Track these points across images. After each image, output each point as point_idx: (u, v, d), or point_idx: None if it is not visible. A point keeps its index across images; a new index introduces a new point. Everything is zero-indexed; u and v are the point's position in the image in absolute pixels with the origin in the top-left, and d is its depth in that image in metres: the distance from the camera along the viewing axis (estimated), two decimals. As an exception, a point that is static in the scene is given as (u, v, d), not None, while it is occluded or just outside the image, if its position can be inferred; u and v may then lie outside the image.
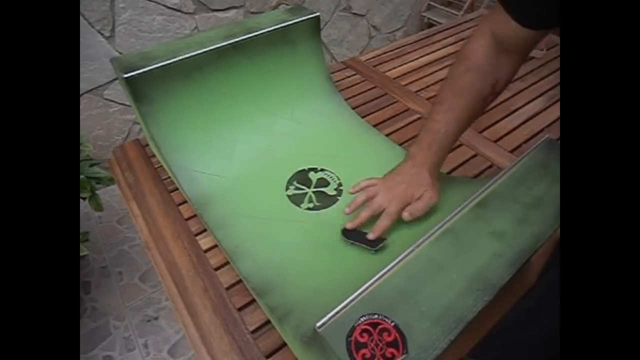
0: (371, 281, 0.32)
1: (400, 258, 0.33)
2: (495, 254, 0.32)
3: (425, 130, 0.47)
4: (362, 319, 0.29)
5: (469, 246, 0.33)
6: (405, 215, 0.44)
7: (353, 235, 0.46)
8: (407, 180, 0.46)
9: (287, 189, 0.55)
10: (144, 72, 0.49)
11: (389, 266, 0.32)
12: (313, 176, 0.57)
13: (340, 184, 0.56)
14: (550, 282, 0.38)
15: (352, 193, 0.49)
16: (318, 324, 0.29)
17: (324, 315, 0.30)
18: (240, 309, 0.44)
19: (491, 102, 0.46)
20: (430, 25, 1.84)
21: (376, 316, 0.30)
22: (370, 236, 0.45)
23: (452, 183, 0.53)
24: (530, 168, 0.40)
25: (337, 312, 0.30)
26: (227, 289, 0.45)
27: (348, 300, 0.31)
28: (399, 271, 0.32)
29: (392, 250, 0.45)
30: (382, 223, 0.44)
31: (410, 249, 0.33)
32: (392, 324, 0.29)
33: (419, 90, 0.77)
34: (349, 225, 0.47)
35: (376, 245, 0.45)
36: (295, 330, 0.37)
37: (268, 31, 0.57)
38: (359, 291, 0.31)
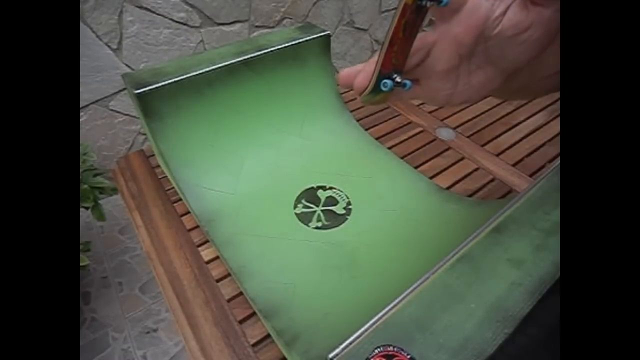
0: (385, 310, 0.31)
1: (415, 285, 0.32)
2: (514, 283, 0.31)
3: None
4: (376, 351, 0.28)
5: (487, 274, 0.32)
6: None
7: None
8: None
9: (295, 207, 0.54)
10: (155, 88, 0.49)
11: (404, 294, 0.31)
12: (322, 194, 0.56)
13: (349, 203, 0.55)
14: (559, 311, 0.37)
15: None
16: (331, 355, 0.28)
17: (337, 346, 0.29)
18: (241, 322, 0.43)
19: None
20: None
21: (391, 347, 0.28)
22: None
23: (463, 205, 0.52)
24: (546, 192, 0.39)
25: (350, 343, 0.29)
26: (229, 301, 0.45)
27: (362, 329, 0.29)
28: (414, 299, 0.31)
29: (404, 276, 0.44)
30: None
31: (426, 275, 0.32)
32: (409, 356, 0.28)
33: (421, 104, 0.78)
34: None
35: None
36: (303, 356, 0.36)
37: (278, 49, 0.57)
38: (372, 320, 0.30)
